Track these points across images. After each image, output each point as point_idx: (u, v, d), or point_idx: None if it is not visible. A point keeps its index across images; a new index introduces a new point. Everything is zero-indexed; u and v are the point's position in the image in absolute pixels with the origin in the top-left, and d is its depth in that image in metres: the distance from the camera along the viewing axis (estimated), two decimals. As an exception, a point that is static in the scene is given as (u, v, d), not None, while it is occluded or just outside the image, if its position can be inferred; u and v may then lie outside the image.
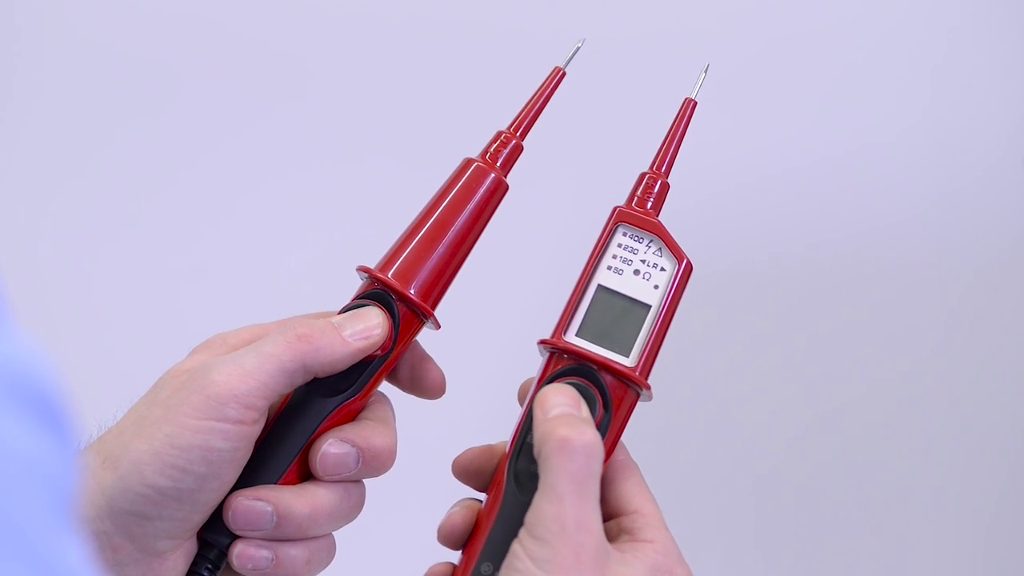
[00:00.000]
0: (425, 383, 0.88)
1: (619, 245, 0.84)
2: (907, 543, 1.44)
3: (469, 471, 0.83)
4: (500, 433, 0.84)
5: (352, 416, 0.85)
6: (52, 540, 0.46)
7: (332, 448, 0.82)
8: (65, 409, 0.49)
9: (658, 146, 0.87)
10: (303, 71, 1.45)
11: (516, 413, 0.83)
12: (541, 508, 0.73)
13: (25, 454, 0.46)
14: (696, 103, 0.87)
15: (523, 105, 0.88)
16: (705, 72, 0.89)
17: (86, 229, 1.45)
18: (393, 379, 0.88)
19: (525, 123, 0.88)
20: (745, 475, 1.45)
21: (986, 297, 1.43)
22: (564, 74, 0.88)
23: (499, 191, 0.87)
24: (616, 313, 0.83)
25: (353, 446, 0.83)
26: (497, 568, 0.77)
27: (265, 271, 1.47)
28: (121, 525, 0.77)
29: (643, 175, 0.86)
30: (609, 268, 0.84)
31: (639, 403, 0.82)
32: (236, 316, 0.97)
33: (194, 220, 1.46)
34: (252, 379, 0.78)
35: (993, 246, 1.42)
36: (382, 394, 0.87)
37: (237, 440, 0.78)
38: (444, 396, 0.89)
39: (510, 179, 0.87)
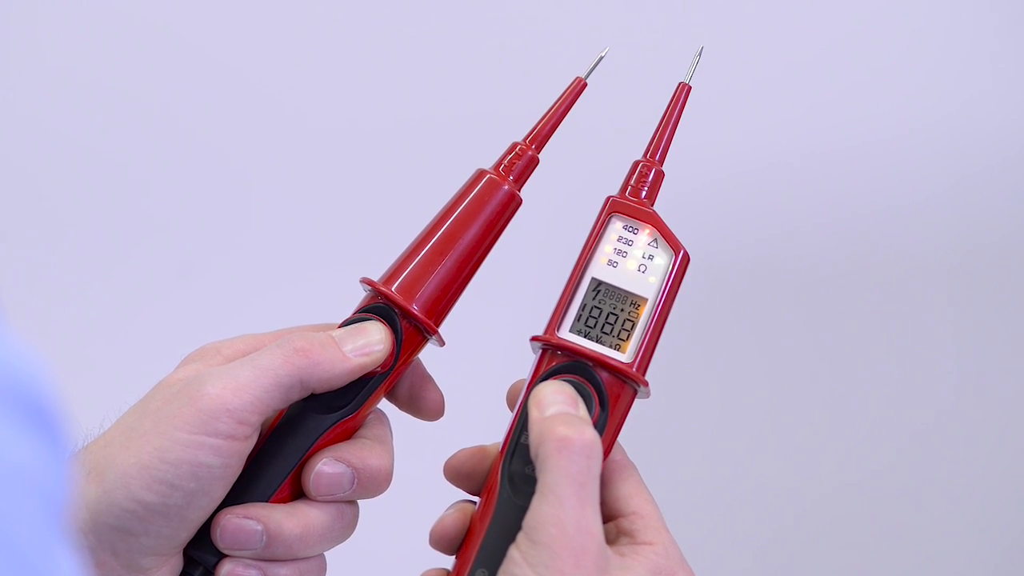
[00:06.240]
0: (423, 404, 0.90)
1: (613, 236, 0.86)
2: (917, 546, 1.46)
3: (461, 473, 0.85)
4: (492, 434, 0.86)
5: (349, 434, 0.86)
6: (43, 549, 0.48)
7: (326, 467, 0.84)
8: (59, 416, 0.51)
9: (652, 133, 0.89)
10: (313, 72, 1.47)
11: (508, 414, 0.84)
12: (540, 511, 0.75)
13: (17, 462, 0.48)
14: (690, 88, 0.89)
15: (541, 116, 0.90)
16: (699, 56, 0.90)
17: (81, 234, 1.47)
18: (391, 397, 0.90)
19: (542, 135, 0.90)
20: (747, 474, 1.46)
21: (989, 289, 1.45)
22: (585, 85, 0.90)
23: (511, 205, 0.89)
24: (611, 307, 0.84)
25: (348, 466, 0.84)
26: (493, 573, 0.78)
27: (263, 278, 1.48)
28: (105, 540, 0.79)
29: (636, 163, 0.88)
30: (603, 260, 0.85)
31: (636, 400, 0.84)
32: (231, 325, 0.99)
33: (190, 223, 1.48)
34: (246, 393, 0.80)
35: (997, 237, 1.44)
36: (381, 412, 0.89)
37: (228, 456, 0.80)
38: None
39: (523, 193, 0.90)
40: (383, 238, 1.34)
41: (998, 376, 1.45)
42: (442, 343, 0.88)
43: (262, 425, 0.83)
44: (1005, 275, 1.44)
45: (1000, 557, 1.46)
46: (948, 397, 1.46)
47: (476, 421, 1.04)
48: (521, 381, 0.85)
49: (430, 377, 0.90)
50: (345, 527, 0.86)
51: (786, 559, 1.47)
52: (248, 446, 0.81)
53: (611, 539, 0.80)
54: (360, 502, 0.87)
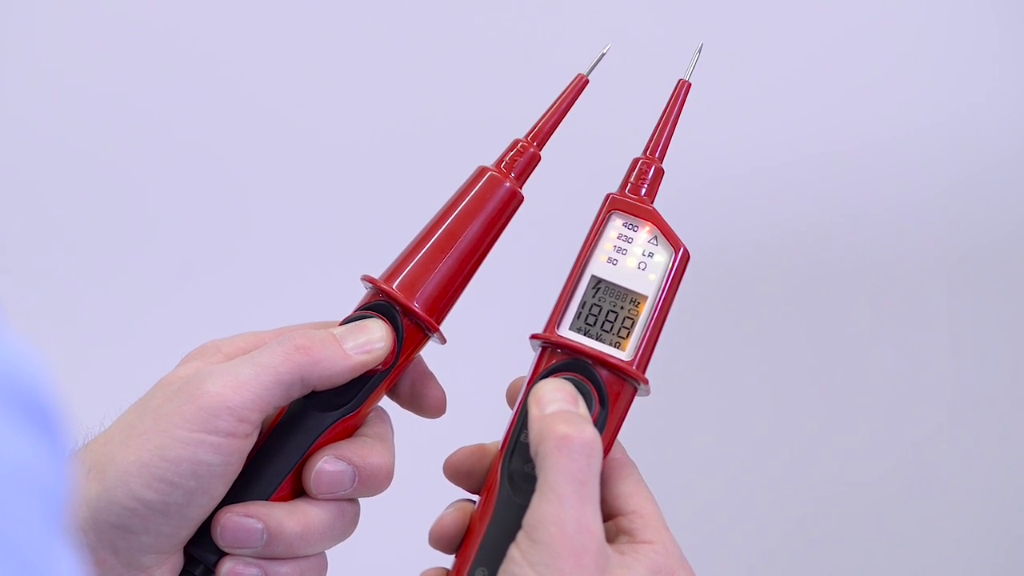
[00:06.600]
0: (425, 401, 0.90)
1: (613, 234, 0.86)
2: (917, 546, 1.46)
3: (461, 472, 0.85)
4: (492, 432, 0.86)
5: (349, 432, 0.87)
6: (43, 548, 0.49)
7: (327, 465, 0.84)
8: (58, 415, 0.51)
9: (651, 130, 0.89)
10: (313, 70, 1.48)
11: (508, 412, 0.84)
12: (540, 510, 0.75)
13: (17, 460, 0.49)
14: (690, 84, 0.89)
15: (542, 113, 0.90)
16: (699, 52, 0.90)
17: (82, 234, 1.47)
18: (392, 394, 0.90)
19: (543, 132, 0.90)
20: (747, 473, 1.46)
21: (990, 289, 1.45)
22: (587, 82, 0.91)
23: (513, 202, 0.89)
24: (611, 305, 0.85)
25: (349, 464, 0.85)
26: (493, 572, 0.78)
27: (264, 277, 1.48)
28: (105, 538, 0.79)
29: (636, 160, 0.88)
30: (603, 258, 0.85)
31: (636, 398, 0.84)
32: (232, 323, 0.99)
33: (190, 222, 1.48)
34: (247, 391, 0.80)
35: (997, 237, 1.44)
36: (382, 410, 0.90)
37: (228, 454, 0.80)
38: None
39: (525, 190, 0.90)
40: (384, 235, 1.34)
41: (998, 376, 1.45)
42: (443, 341, 0.89)
43: (263, 423, 0.84)
44: (1006, 276, 1.45)
45: (1001, 558, 1.46)
46: (948, 396, 1.46)
47: (476, 419, 1.05)
48: (521, 379, 0.86)
49: (431, 374, 0.91)
50: (346, 525, 0.86)
51: (787, 558, 1.47)
52: (248, 444, 0.82)
53: (611, 538, 0.80)
54: (361, 500, 0.87)
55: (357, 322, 0.86)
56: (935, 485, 1.46)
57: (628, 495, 0.82)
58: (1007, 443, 1.45)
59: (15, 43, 1.46)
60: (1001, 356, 1.45)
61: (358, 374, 0.85)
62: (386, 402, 0.90)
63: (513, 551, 0.75)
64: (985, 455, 1.46)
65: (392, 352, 0.86)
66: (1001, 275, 1.45)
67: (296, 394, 0.83)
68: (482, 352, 1.41)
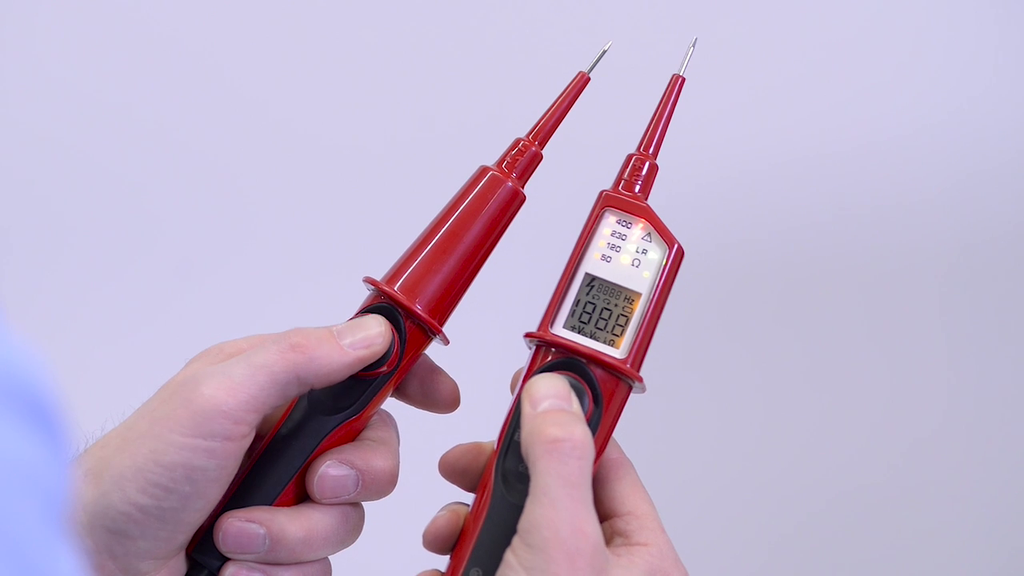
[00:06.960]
0: (438, 396, 0.90)
1: (607, 231, 0.86)
2: (919, 548, 1.46)
3: (456, 469, 0.85)
4: (491, 432, 0.85)
5: (353, 436, 0.87)
6: (43, 548, 0.48)
7: (331, 470, 0.84)
8: (59, 415, 0.51)
9: (645, 126, 0.89)
10: (315, 71, 1.48)
11: (507, 407, 0.84)
12: (534, 514, 0.75)
13: (18, 460, 0.49)
14: (684, 79, 0.89)
15: (543, 112, 0.90)
16: (693, 47, 0.90)
17: (86, 238, 1.47)
18: (402, 395, 0.90)
19: (545, 131, 0.90)
20: (744, 472, 1.46)
21: (988, 290, 1.45)
22: (588, 80, 0.90)
23: (515, 202, 0.89)
24: (605, 302, 0.84)
25: (353, 468, 0.84)
26: (487, 572, 0.78)
27: (266, 279, 1.48)
28: (102, 543, 0.79)
29: (630, 156, 0.88)
30: (597, 255, 0.85)
31: (631, 396, 0.84)
32: (234, 326, 0.99)
33: (194, 226, 1.48)
34: (242, 392, 0.80)
35: (996, 238, 1.44)
36: (386, 413, 0.89)
37: (224, 458, 0.80)
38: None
39: (527, 189, 0.90)
40: (386, 237, 1.34)
41: (996, 376, 1.45)
42: (446, 342, 0.88)
43: (264, 423, 0.83)
44: (1004, 277, 1.45)
45: (1001, 559, 1.46)
46: (946, 397, 1.46)
47: (476, 419, 1.05)
48: (521, 370, 0.85)
49: (439, 368, 0.90)
50: (350, 530, 0.86)
51: (784, 559, 1.47)
52: (244, 445, 0.81)
53: (606, 539, 0.80)
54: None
55: (355, 320, 0.86)
56: (933, 486, 1.46)
57: (624, 495, 0.82)
58: (1005, 443, 1.45)
59: (15, 43, 1.46)
60: (999, 356, 1.45)
61: (357, 370, 0.84)
62: (398, 405, 0.90)
63: (509, 556, 0.75)
64: (983, 455, 1.45)
65: (395, 354, 0.86)
66: (998, 275, 1.45)
67: (293, 393, 0.83)
68: (483, 352, 1.40)
